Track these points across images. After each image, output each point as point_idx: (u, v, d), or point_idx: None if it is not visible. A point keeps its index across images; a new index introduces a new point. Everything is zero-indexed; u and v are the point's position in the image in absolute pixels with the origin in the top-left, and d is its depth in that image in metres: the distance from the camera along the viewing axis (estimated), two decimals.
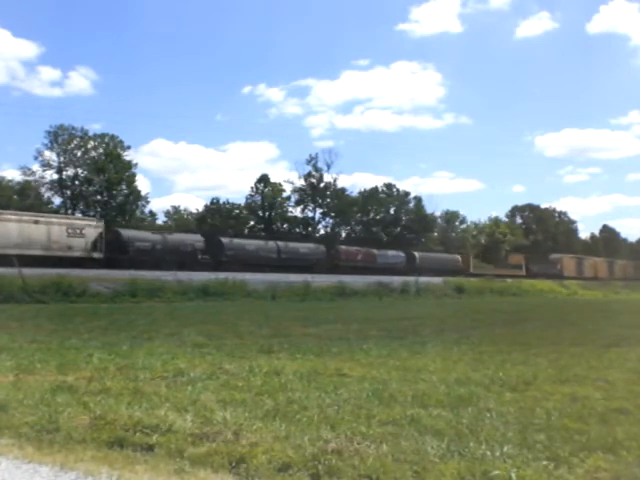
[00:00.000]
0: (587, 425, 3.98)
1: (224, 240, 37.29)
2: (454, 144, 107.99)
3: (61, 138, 54.13)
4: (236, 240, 39.29)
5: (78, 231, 30.18)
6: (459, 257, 54.75)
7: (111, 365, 6.07)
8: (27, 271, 20.01)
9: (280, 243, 41.25)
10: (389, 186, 72.55)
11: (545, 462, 3.21)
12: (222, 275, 24.68)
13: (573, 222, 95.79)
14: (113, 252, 30.86)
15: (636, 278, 65.89)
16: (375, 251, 47.61)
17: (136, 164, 58.25)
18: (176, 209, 73.97)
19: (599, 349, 8.31)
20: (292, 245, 42.47)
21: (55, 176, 54.46)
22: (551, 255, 64.27)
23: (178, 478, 3.06)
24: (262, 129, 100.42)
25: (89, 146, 55.63)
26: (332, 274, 32.66)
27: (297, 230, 65.66)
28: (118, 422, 3.85)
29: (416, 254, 50.26)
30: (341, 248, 46.06)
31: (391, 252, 49.57)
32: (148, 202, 61.07)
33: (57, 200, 55.90)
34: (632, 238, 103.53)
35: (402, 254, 49.35)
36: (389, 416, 4.11)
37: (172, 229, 51.50)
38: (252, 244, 39.63)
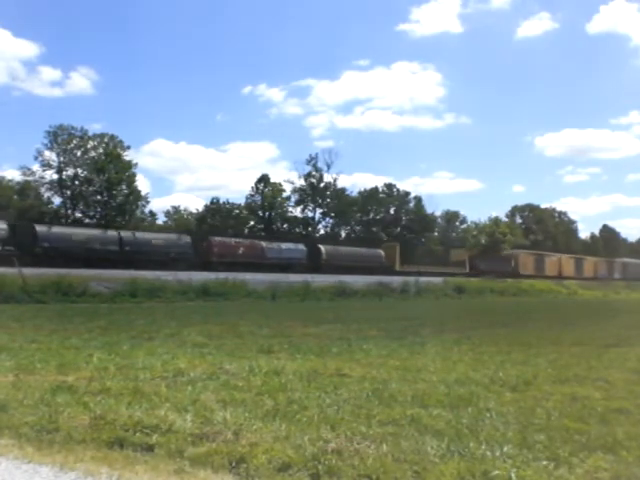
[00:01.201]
0: (587, 425, 3.98)
1: (39, 228, 30.17)
2: (454, 144, 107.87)
3: (61, 138, 54.13)
4: (57, 229, 32.12)
5: None
6: (382, 252, 46.60)
7: (111, 365, 6.06)
8: (27, 271, 20.03)
9: (124, 233, 33.49)
10: (389, 186, 72.62)
11: (545, 462, 3.21)
12: (222, 275, 24.69)
13: (573, 222, 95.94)
14: None
15: (609, 278, 62.51)
16: (263, 244, 39.77)
17: (136, 164, 58.29)
18: (176, 209, 74.04)
19: (599, 349, 8.31)
20: (141, 236, 34.21)
21: (55, 176, 54.51)
22: (505, 251, 58.68)
23: (178, 478, 3.06)
24: (262, 129, 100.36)
25: (89, 146, 55.62)
26: (205, 271, 27.45)
27: (297, 230, 65.63)
28: (118, 422, 3.85)
29: (322, 248, 42.23)
30: (214, 240, 37.29)
31: (287, 245, 41.56)
32: (148, 202, 61.14)
33: (57, 200, 55.98)
34: (632, 238, 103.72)
35: (302, 247, 41.71)
36: (389, 416, 4.11)
37: None
38: (82, 234, 31.73)
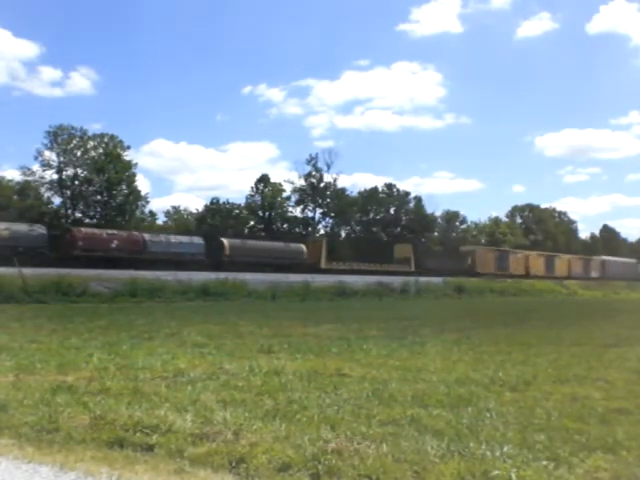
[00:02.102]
0: (587, 425, 3.98)
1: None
2: (454, 144, 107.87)
3: (61, 138, 54.11)
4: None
5: None
6: (303, 248, 40.75)
7: (111, 365, 6.06)
8: (27, 271, 20.03)
9: None
10: (389, 186, 72.60)
11: (545, 462, 3.20)
12: (222, 275, 24.69)
13: (573, 222, 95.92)
14: None
15: (585, 277, 57.67)
16: (146, 236, 34.58)
17: (136, 164, 58.29)
18: (176, 209, 74.02)
19: (599, 349, 8.31)
20: None
21: (55, 176, 54.51)
22: (462, 247, 53.81)
23: (178, 478, 3.06)
24: (262, 129, 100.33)
25: (89, 146, 55.61)
26: (60, 268, 23.04)
27: (297, 230, 65.60)
28: (118, 422, 3.85)
29: (225, 241, 36.73)
30: (78, 231, 32.21)
31: (178, 238, 36.41)
32: (148, 202, 61.12)
33: (57, 200, 55.98)
34: (632, 238, 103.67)
35: (199, 241, 36.51)
36: (389, 416, 4.11)
37: None
38: None
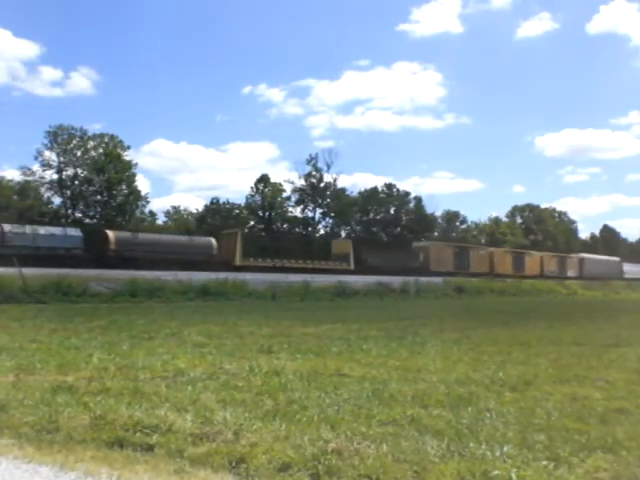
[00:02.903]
0: (587, 425, 3.97)
1: None
2: (454, 144, 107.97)
3: (61, 138, 54.17)
4: None
5: None
6: (212, 241, 35.63)
7: (111, 365, 6.06)
8: (27, 271, 20.03)
9: None
10: (389, 186, 72.62)
11: (545, 462, 3.20)
12: (222, 275, 24.70)
13: (573, 222, 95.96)
14: None
15: (561, 276, 52.92)
16: (6, 227, 30.37)
17: (136, 164, 58.37)
18: (176, 209, 74.05)
19: (599, 349, 8.30)
20: None
21: (55, 176, 54.53)
22: (414, 242, 50.13)
23: (178, 478, 3.06)
24: (262, 129, 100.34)
25: (89, 146, 55.69)
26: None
27: (297, 230, 65.62)
28: (118, 422, 3.85)
29: (110, 234, 32.47)
30: None
31: (48, 229, 32.21)
32: (148, 202, 61.19)
33: (57, 200, 56.01)
34: (632, 238, 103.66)
35: (76, 233, 32.14)
36: (389, 416, 4.11)
37: None
38: None
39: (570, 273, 56.36)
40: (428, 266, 42.42)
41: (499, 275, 45.30)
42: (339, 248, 42.43)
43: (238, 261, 34.87)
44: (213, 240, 36.13)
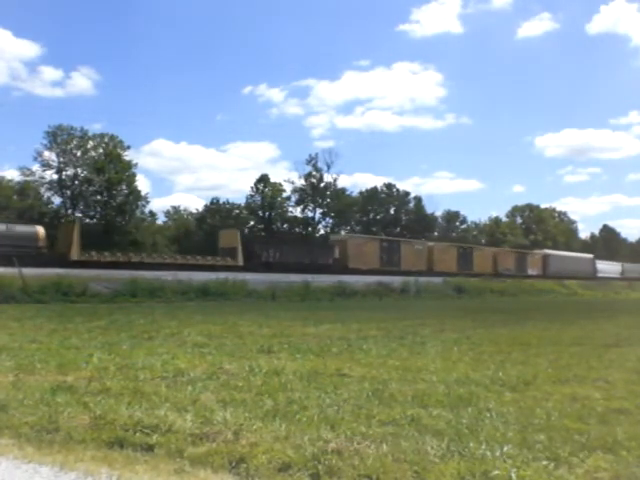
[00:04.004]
0: (587, 425, 3.98)
1: None
2: (454, 144, 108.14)
3: (60, 138, 54.16)
4: None
5: None
6: (38, 231, 30.02)
7: (111, 365, 6.06)
8: (27, 271, 20.02)
9: None
10: (389, 186, 72.68)
11: (545, 462, 3.21)
12: (222, 275, 24.71)
13: (573, 222, 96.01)
14: None
15: (519, 275, 47.60)
16: None
17: (136, 164, 58.37)
18: (176, 209, 74.08)
19: (599, 349, 8.30)
20: None
21: (55, 176, 54.54)
22: (332, 235, 44.86)
23: (178, 478, 3.06)
24: (263, 129, 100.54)
25: (88, 146, 55.69)
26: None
27: (297, 230, 65.61)
28: (118, 422, 3.85)
29: None
30: None
31: None
32: (148, 202, 61.17)
33: (57, 200, 56.01)
34: (632, 238, 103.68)
35: None
36: (389, 416, 4.11)
37: None
38: None
39: (531, 271, 51.54)
40: (346, 263, 36.58)
41: (439, 273, 39.59)
42: (226, 241, 34.93)
43: (76, 255, 29.36)
44: (40, 229, 30.23)
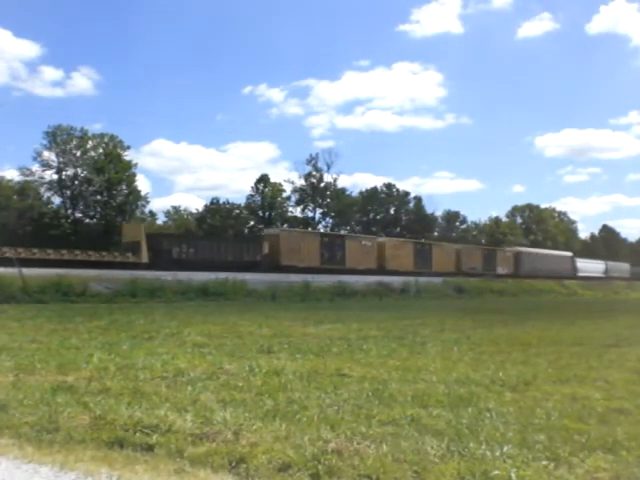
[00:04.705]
0: (587, 425, 3.97)
1: None
2: (454, 144, 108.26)
3: (60, 138, 54.14)
4: None
5: None
6: None
7: (111, 365, 6.06)
8: (27, 271, 20.01)
9: None
10: (389, 186, 72.69)
11: (545, 462, 3.20)
12: (222, 275, 24.71)
13: (573, 222, 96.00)
14: None
15: (488, 274, 43.71)
16: None
17: (136, 164, 58.39)
18: (176, 209, 74.08)
19: (599, 349, 8.30)
20: None
21: (55, 176, 54.53)
22: (264, 230, 40.74)
23: (178, 478, 3.06)
24: (263, 129, 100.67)
25: (88, 146, 55.68)
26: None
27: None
28: (118, 422, 3.85)
29: None
30: None
31: None
32: (148, 202, 61.19)
33: (57, 200, 56.01)
34: (632, 238, 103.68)
35: None
36: (389, 416, 4.10)
37: None
38: None
39: (501, 270, 47.86)
40: (278, 260, 32.85)
41: (391, 272, 35.91)
42: (129, 235, 31.75)
43: None
44: None
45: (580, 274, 56.04)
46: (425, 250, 43.28)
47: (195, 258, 30.53)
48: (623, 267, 67.78)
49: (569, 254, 61.17)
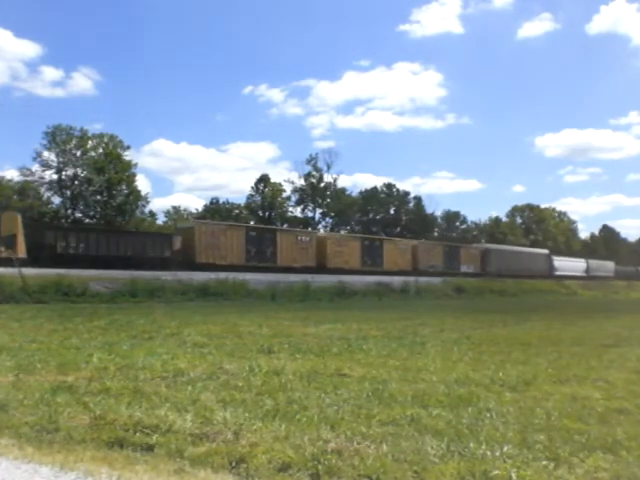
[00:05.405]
0: (587, 425, 3.97)
1: None
2: (455, 144, 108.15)
3: (59, 138, 54.13)
4: None
5: None
6: None
7: (111, 365, 6.06)
8: (27, 271, 20.01)
9: None
10: (389, 186, 72.71)
11: (545, 462, 3.20)
12: (222, 275, 24.71)
13: (573, 222, 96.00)
14: None
15: (449, 272, 40.82)
16: None
17: (136, 164, 58.39)
18: (176, 209, 74.08)
19: (599, 349, 8.30)
20: None
21: (54, 176, 54.52)
22: (179, 224, 36.04)
23: (178, 478, 3.06)
24: (263, 129, 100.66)
25: (88, 146, 55.67)
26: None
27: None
28: (118, 422, 3.85)
29: None
30: None
31: None
32: (148, 202, 61.17)
33: (57, 200, 56.01)
34: (632, 238, 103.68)
35: None
36: (389, 416, 4.10)
37: None
38: None
39: (466, 268, 44.61)
40: (192, 256, 29.72)
41: (334, 270, 33.28)
42: (5, 227, 26.84)
43: None
44: None
45: (557, 273, 53.40)
46: (375, 246, 39.25)
47: (86, 253, 26.91)
48: (607, 266, 64.23)
49: (545, 252, 57.62)
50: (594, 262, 61.96)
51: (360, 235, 44.53)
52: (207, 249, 30.32)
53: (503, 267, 46.59)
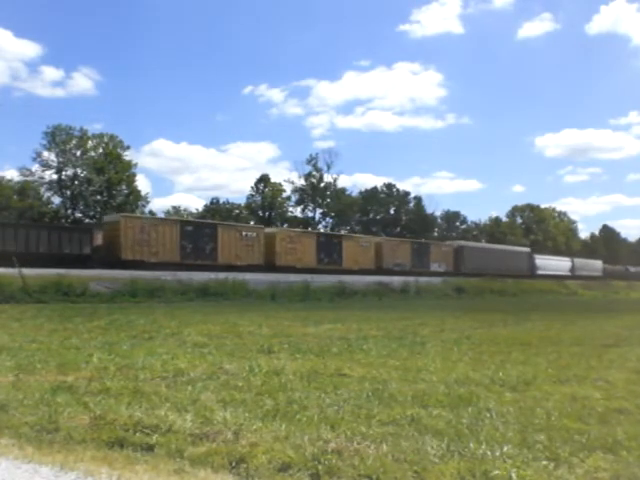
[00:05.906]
0: (587, 425, 3.97)
1: None
2: (454, 144, 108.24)
3: (59, 138, 54.14)
4: None
5: None
6: None
7: (111, 365, 6.06)
8: (27, 271, 20.00)
9: None
10: (389, 186, 72.71)
11: (545, 462, 3.20)
12: (222, 275, 24.71)
13: (573, 222, 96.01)
14: None
15: (418, 271, 38.22)
16: None
17: (136, 164, 58.43)
18: (176, 209, 74.09)
19: (599, 349, 8.30)
20: None
21: (54, 176, 54.53)
22: (105, 217, 33.71)
23: (178, 478, 3.06)
24: (263, 129, 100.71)
25: (88, 146, 55.68)
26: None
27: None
28: (118, 422, 3.85)
29: None
30: None
31: None
32: (148, 202, 61.23)
33: (57, 200, 56.02)
34: (632, 238, 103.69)
35: None
36: (389, 416, 4.10)
37: None
38: None
39: (437, 267, 42.25)
40: (117, 253, 27.17)
41: (283, 268, 31.22)
42: None
43: None
44: None
45: (539, 272, 50.98)
46: (332, 243, 36.48)
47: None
48: (595, 265, 61.26)
49: (526, 250, 55.00)
50: (580, 261, 59.53)
51: (315, 231, 41.84)
52: (135, 245, 27.76)
53: (478, 266, 44.01)
